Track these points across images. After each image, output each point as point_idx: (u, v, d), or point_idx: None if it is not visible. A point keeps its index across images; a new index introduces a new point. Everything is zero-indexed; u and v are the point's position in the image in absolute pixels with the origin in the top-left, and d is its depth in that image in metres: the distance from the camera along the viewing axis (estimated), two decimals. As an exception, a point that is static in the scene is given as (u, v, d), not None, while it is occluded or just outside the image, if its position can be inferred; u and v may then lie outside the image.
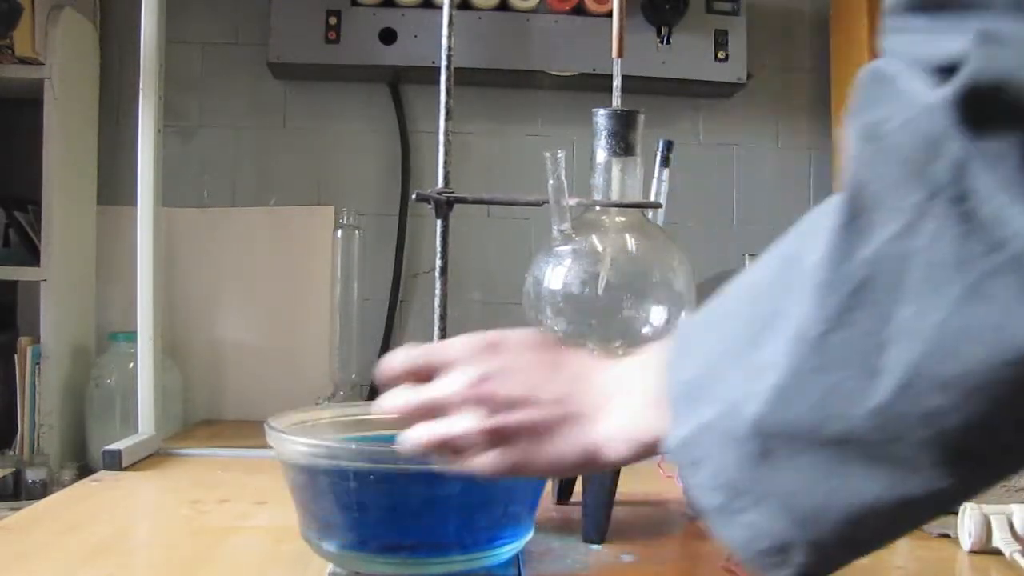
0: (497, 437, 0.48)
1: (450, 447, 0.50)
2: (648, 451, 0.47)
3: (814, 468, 0.36)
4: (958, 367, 0.31)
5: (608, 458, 0.47)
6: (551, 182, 0.78)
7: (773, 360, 0.36)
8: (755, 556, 0.38)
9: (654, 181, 0.84)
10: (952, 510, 0.39)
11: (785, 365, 0.35)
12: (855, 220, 0.34)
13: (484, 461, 0.49)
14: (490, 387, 0.49)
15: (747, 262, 1.42)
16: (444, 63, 0.96)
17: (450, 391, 0.50)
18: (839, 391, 0.34)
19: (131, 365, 1.31)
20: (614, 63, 0.84)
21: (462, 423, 0.49)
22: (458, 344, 0.52)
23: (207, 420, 1.54)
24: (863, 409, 0.33)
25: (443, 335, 0.95)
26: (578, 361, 0.51)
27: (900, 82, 0.34)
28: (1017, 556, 0.69)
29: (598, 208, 0.83)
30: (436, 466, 0.52)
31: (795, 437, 0.36)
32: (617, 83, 0.83)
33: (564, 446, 0.48)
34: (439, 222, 0.94)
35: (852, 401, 0.34)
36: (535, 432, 0.48)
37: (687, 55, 1.54)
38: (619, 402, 0.47)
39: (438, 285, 0.95)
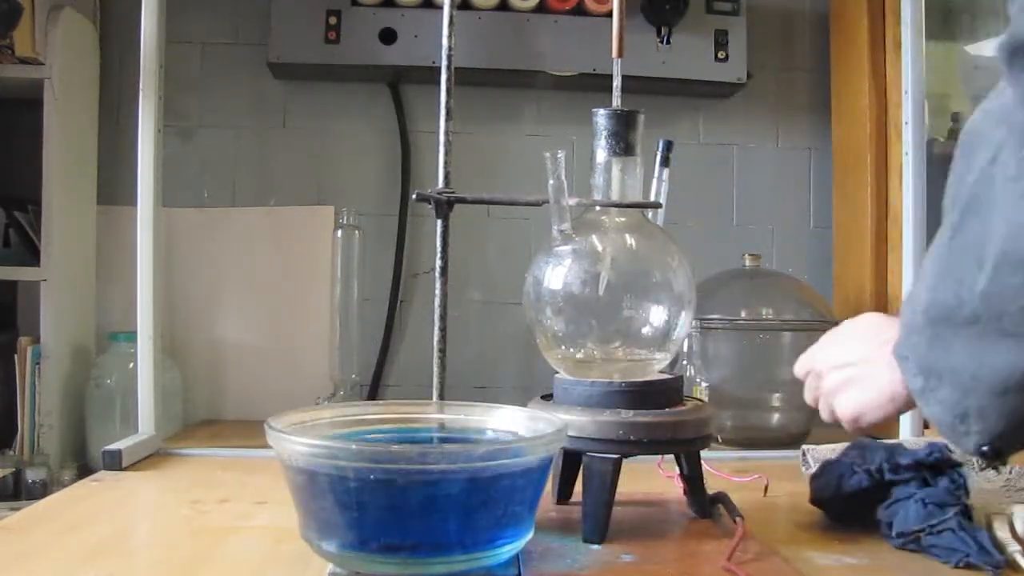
0: (834, 391, 0.69)
1: (814, 400, 0.73)
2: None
3: (965, 345, 0.48)
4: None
5: (905, 394, 0.59)
6: (551, 182, 0.78)
7: (929, 267, 0.50)
8: (947, 430, 0.51)
9: (654, 181, 0.84)
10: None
11: (935, 267, 0.49)
12: (967, 156, 0.49)
13: (836, 413, 0.69)
14: (824, 356, 0.72)
15: (747, 262, 1.42)
16: (444, 63, 0.96)
17: (809, 361, 0.74)
18: (963, 281, 0.46)
19: (131, 365, 1.31)
20: (614, 63, 0.84)
21: (820, 380, 0.71)
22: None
23: (207, 420, 1.54)
24: (976, 292, 0.46)
25: (443, 335, 0.95)
26: (879, 324, 0.69)
27: None
28: (1017, 556, 0.69)
29: (598, 208, 0.83)
30: (435, 467, 0.52)
31: (947, 321, 0.48)
32: (617, 83, 0.83)
33: (876, 392, 0.63)
34: (439, 222, 0.94)
35: (970, 288, 0.46)
36: (856, 386, 0.66)
37: (687, 55, 1.54)
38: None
39: (438, 285, 0.95)
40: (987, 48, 1.54)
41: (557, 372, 0.83)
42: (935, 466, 0.77)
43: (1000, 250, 0.44)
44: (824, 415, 0.72)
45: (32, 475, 1.32)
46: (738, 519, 0.75)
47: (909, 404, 0.61)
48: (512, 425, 0.74)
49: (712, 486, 0.84)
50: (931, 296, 0.49)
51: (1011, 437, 0.49)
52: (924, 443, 0.81)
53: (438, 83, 0.96)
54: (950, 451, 0.80)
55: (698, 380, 1.27)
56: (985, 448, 0.50)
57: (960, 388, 0.49)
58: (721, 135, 1.69)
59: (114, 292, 1.53)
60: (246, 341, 1.57)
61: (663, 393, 0.79)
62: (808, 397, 0.74)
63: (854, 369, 0.66)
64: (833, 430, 1.46)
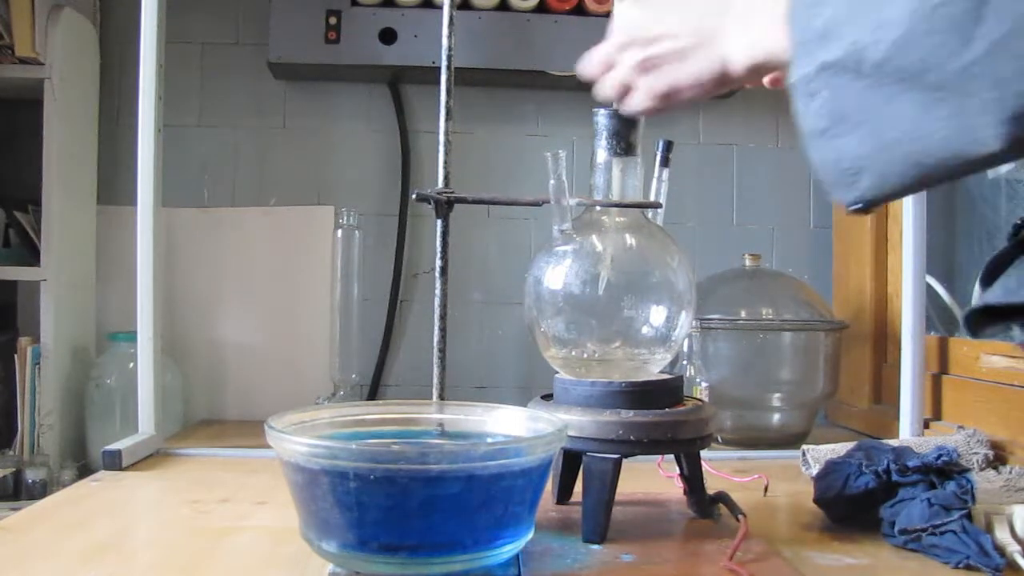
0: (647, 66, 0.63)
1: (618, 88, 0.66)
2: (763, 69, 0.58)
3: (911, 105, 0.46)
4: None
5: (733, 71, 0.59)
6: (551, 182, 0.79)
7: (897, 18, 0.45)
8: (834, 174, 0.50)
9: (654, 181, 0.84)
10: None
11: (906, 24, 0.45)
12: None
13: (640, 92, 0.65)
14: (635, 32, 0.64)
15: (747, 262, 1.42)
16: (444, 63, 0.96)
17: (612, 42, 0.66)
18: (941, 50, 0.44)
19: (131, 365, 1.32)
20: (614, 63, 0.83)
21: (623, 61, 0.65)
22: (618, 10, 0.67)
23: (207, 420, 1.54)
24: (957, 65, 0.43)
25: (443, 335, 0.95)
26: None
27: None
28: (1017, 556, 0.69)
29: (598, 208, 0.83)
30: (435, 467, 0.52)
31: (905, 79, 0.45)
32: (617, 83, 0.83)
33: (699, 65, 0.61)
34: (439, 222, 0.94)
35: (948, 59, 0.44)
36: (675, 58, 0.62)
37: (687, 55, 1.54)
38: (744, 29, 0.58)
39: (438, 285, 0.95)
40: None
41: (557, 372, 0.83)
42: (943, 470, 0.77)
43: (998, 36, 0.42)
44: (617, 94, 0.67)
45: (32, 475, 1.32)
46: (741, 517, 0.75)
47: (730, 85, 0.61)
48: (512, 425, 0.74)
49: (712, 486, 0.84)
50: (895, 51, 0.45)
51: (891, 198, 0.50)
52: (932, 446, 0.81)
53: (438, 83, 0.96)
54: (959, 455, 0.80)
55: (698, 380, 1.27)
56: (861, 203, 0.50)
57: (874, 144, 0.48)
58: (721, 135, 1.69)
59: (114, 292, 1.53)
60: (246, 341, 1.57)
61: (663, 393, 0.79)
62: (589, 71, 0.69)
63: (685, 42, 0.61)
64: (833, 430, 1.46)
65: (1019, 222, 0.56)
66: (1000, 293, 0.51)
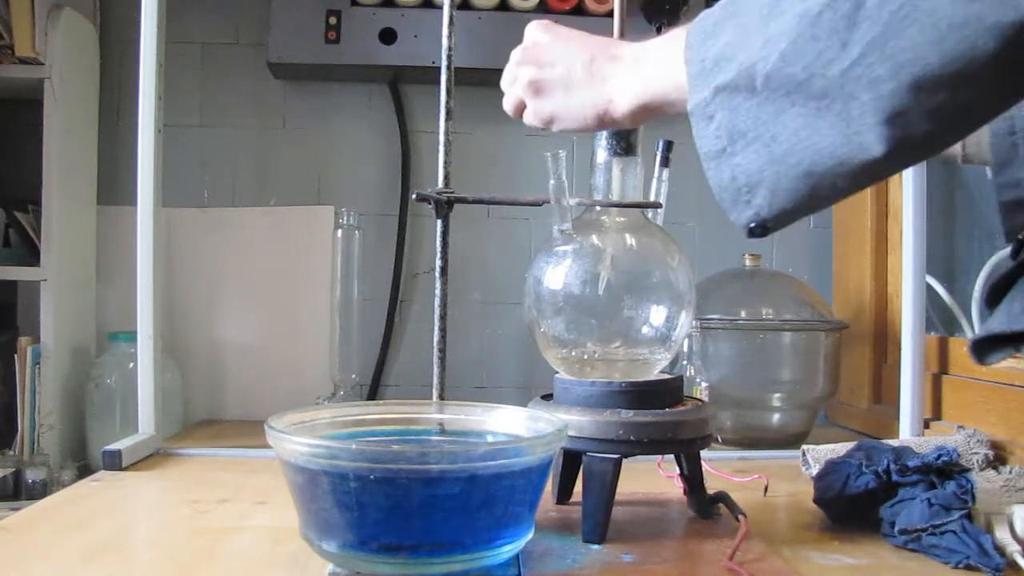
0: (536, 88, 0.66)
1: (514, 102, 0.70)
2: (651, 112, 0.60)
3: (799, 115, 0.47)
4: (900, 43, 0.42)
5: (615, 113, 0.61)
6: (551, 182, 0.79)
7: (783, 32, 0.47)
8: (730, 192, 0.51)
9: (654, 181, 0.84)
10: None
11: (791, 35, 0.46)
12: None
13: (529, 111, 0.68)
14: (535, 53, 0.67)
15: (747, 262, 1.42)
16: (444, 63, 0.96)
17: (514, 56, 0.70)
18: (823, 56, 0.45)
19: (131, 365, 1.32)
20: (614, 63, 0.83)
21: (518, 79, 0.68)
22: (528, 30, 0.71)
23: (207, 420, 1.54)
24: (835, 70, 0.45)
25: (443, 335, 0.95)
26: (612, 41, 0.65)
27: None
28: (1017, 556, 0.69)
29: (598, 208, 0.83)
30: (435, 467, 0.52)
31: (792, 91, 0.46)
32: (617, 83, 0.83)
33: (585, 99, 0.63)
34: (439, 222, 0.94)
35: (830, 64, 0.45)
36: (561, 88, 0.64)
37: (687, 55, 1.54)
38: (636, 69, 0.60)
39: (438, 285, 0.95)
40: None
41: (557, 372, 0.83)
42: (943, 470, 0.77)
43: (870, 39, 0.43)
44: (512, 109, 0.71)
45: (32, 475, 1.32)
46: (741, 517, 0.75)
47: (606, 127, 0.64)
48: (512, 425, 0.74)
49: (712, 486, 0.84)
50: (782, 62, 0.46)
51: (786, 216, 0.50)
52: (932, 446, 0.81)
53: (438, 83, 0.96)
54: (959, 455, 0.80)
55: (698, 380, 1.27)
56: (756, 223, 0.51)
57: (767, 157, 0.49)
58: (721, 135, 1.69)
59: (114, 292, 1.53)
60: (246, 341, 1.57)
61: (663, 393, 0.79)
62: (511, 92, 0.71)
63: (575, 74, 0.64)
64: (833, 430, 1.46)
65: (1020, 240, 0.56)
66: (1005, 320, 0.51)
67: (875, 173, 0.47)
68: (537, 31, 0.70)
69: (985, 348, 0.53)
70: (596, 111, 0.62)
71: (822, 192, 0.49)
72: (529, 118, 0.69)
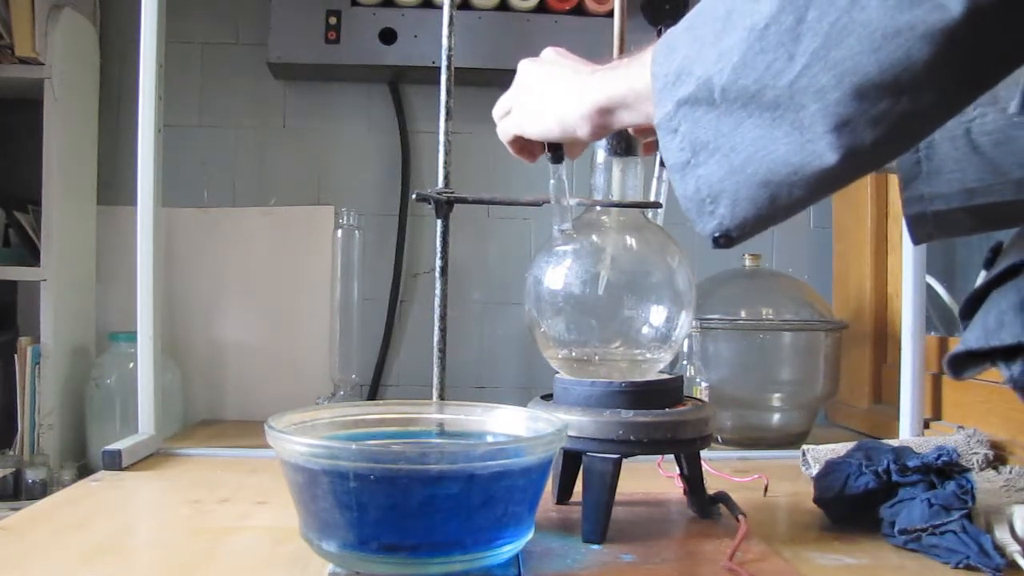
0: (509, 108, 0.73)
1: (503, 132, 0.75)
2: (604, 116, 0.61)
3: (755, 126, 0.48)
4: (840, 53, 0.44)
5: (575, 129, 0.64)
6: (551, 182, 0.78)
7: (735, 45, 0.48)
8: (695, 203, 0.52)
9: (654, 181, 0.84)
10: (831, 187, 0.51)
11: (742, 48, 0.48)
12: None
13: (504, 124, 0.74)
14: (522, 80, 0.72)
15: (747, 262, 1.42)
16: (444, 63, 0.96)
17: (510, 92, 0.75)
18: (772, 68, 0.47)
19: (131, 365, 1.32)
20: (614, 63, 0.84)
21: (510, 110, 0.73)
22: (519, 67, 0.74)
23: (207, 420, 1.54)
24: (784, 81, 0.46)
25: (443, 335, 0.95)
26: (584, 66, 0.67)
27: None
28: (1017, 556, 0.69)
29: (598, 208, 0.83)
30: (435, 467, 0.52)
31: (748, 102, 0.48)
32: (617, 83, 0.83)
33: (550, 115, 0.67)
34: (439, 222, 0.94)
35: (778, 75, 0.46)
36: (535, 104, 0.69)
37: (687, 55, 1.54)
38: (598, 79, 0.62)
39: (438, 285, 0.95)
40: None
41: (557, 372, 0.83)
42: (943, 470, 0.77)
43: (812, 50, 0.45)
44: (503, 133, 0.76)
45: (32, 475, 1.32)
46: (741, 517, 0.75)
47: (581, 146, 0.69)
48: (512, 425, 0.74)
49: (712, 486, 0.84)
50: (736, 75, 0.48)
51: (749, 226, 0.52)
52: (932, 446, 0.81)
53: (438, 83, 0.96)
54: (959, 455, 0.80)
55: (698, 380, 1.28)
56: (720, 232, 0.52)
57: (728, 168, 0.50)
58: (721, 135, 1.69)
59: (114, 292, 1.53)
60: (246, 341, 1.57)
61: (663, 393, 0.79)
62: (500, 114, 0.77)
63: (539, 102, 0.69)
64: (833, 430, 1.46)
65: (990, 253, 0.57)
66: (981, 336, 0.52)
67: (830, 181, 0.48)
68: (524, 64, 0.74)
69: (960, 363, 0.54)
70: (562, 125, 0.66)
71: (781, 201, 0.50)
72: (503, 128, 0.74)
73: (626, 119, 0.60)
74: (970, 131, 0.68)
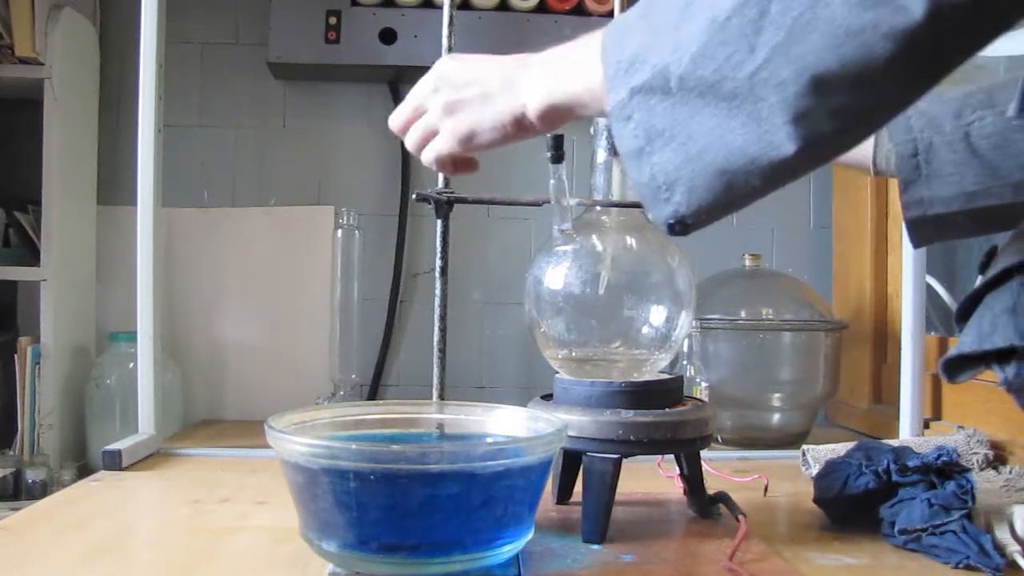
0: (452, 108, 0.65)
1: (424, 132, 0.68)
2: (562, 114, 0.60)
3: (712, 115, 0.48)
4: (802, 47, 0.44)
5: (530, 115, 0.61)
6: (551, 182, 0.79)
7: (694, 35, 0.48)
8: (650, 190, 0.52)
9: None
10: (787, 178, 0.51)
11: (702, 39, 0.48)
12: None
13: (444, 134, 0.66)
14: (448, 79, 0.66)
15: (747, 262, 1.42)
16: (444, 63, 0.96)
17: (424, 86, 0.68)
18: (732, 59, 0.47)
19: (131, 365, 1.32)
20: (614, 63, 0.83)
21: (430, 108, 0.67)
22: (436, 64, 0.68)
23: (207, 420, 1.54)
24: (744, 73, 0.47)
25: (443, 335, 0.95)
26: (525, 55, 0.63)
27: None
28: (1017, 556, 0.69)
29: (598, 208, 0.83)
30: (435, 467, 0.52)
31: (705, 92, 0.48)
32: (617, 83, 0.83)
33: (499, 108, 0.62)
34: (439, 222, 0.94)
35: (738, 67, 0.47)
36: (479, 101, 0.63)
37: (687, 55, 1.54)
38: (547, 72, 0.60)
39: (438, 285, 0.95)
40: (987, 48, 1.54)
41: (557, 372, 0.83)
42: (943, 470, 0.77)
43: (774, 43, 0.45)
44: (418, 149, 0.69)
45: (32, 475, 1.32)
46: (741, 517, 0.75)
47: (527, 131, 0.62)
48: (512, 425, 0.74)
49: (712, 486, 0.84)
50: (694, 65, 0.48)
51: (704, 214, 0.52)
52: (932, 446, 0.81)
53: (438, 83, 0.96)
54: (959, 455, 0.80)
55: (698, 380, 1.27)
56: (675, 220, 0.52)
57: (683, 155, 0.50)
58: (721, 135, 1.69)
59: (114, 292, 1.53)
60: (246, 341, 1.57)
61: (663, 393, 0.79)
62: (398, 120, 0.71)
63: (491, 86, 0.63)
64: (833, 430, 1.46)
65: (985, 257, 0.57)
66: (975, 340, 0.52)
67: (787, 171, 0.49)
68: (445, 61, 0.69)
69: (955, 367, 0.54)
70: (513, 116, 0.62)
71: (737, 190, 0.50)
72: (443, 141, 0.67)
73: (581, 113, 0.59)
74: (969, 135, 0.69)
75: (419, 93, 0.69)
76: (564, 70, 0.59)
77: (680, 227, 0.53)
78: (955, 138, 0.69)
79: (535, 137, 0.65)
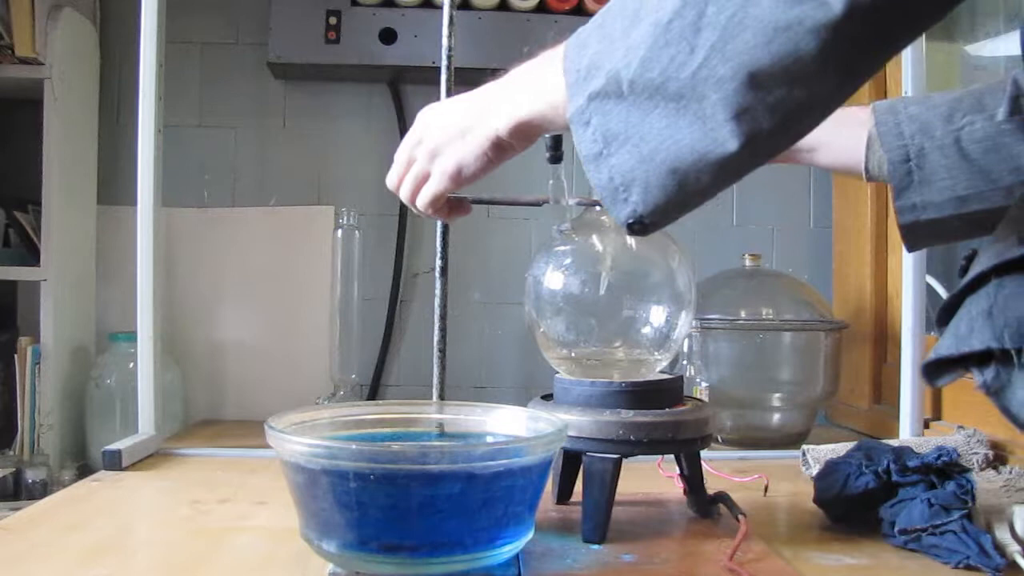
0: (435, 152, 0.68)
1: (416, 180, 0.71)
2: (533, 129, 0.62)
3: (661, 116, 0.50)
4: (736, 45, 0.46)
5: (504, 137, 0.63)
6: (551, 182, 0.78)
7: (641, 40, 0.50)
8: (609, 192, 0.54)
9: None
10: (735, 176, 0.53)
11: (648, 43, 0.50)
12: None
13: (434, 178, 0.69)
14: (426, 131, 0.70)
15: (747, 262, 1.42)
16: (444, 63, 0.96)
17: (408, 141, 0.72)
18: (675, 60, 0.49)
19: (131, 365, 1.32)
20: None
21: (418, 155, 0.70)
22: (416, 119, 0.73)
23: (207, 420, 1.54)
24: (687, 72, 0.48)
25: (443, 335, 0.95)
26: (495, 82, 0.66)
27: None
28: (1017, 556, 0.69)
29: (598, 208, 0.83)
30: (435, 467, 0.52)
31: (654, 94, 0.50)
32: (617, 83, 0.83)
33: (477, 139, 0.65)
34: (439, 222, 0.94)
35: (681, 67, 0.49)
36: (458, 138, 0.66)
37: (687, 55, 1.54)
38: (513, 92, 0.63)
39: (438, 285, 0.95)
40: (987, 48, 1.54)
41: (557, 372, 0.83)
42: (943, 470, 0.77)
43: (711, 43, 0.47)
44: (413, 198, 0.72)
45: (32, 475, 1.32)
46: (741, 517, 0.75)
47: (505, 151, 0.65)
48: (512, 425, 0.74)
49: (712, 486, 0.84)
50: (642, 68, 0.50)
51: (661, 212, 0.54)
52: (932, 446, 0.81)
53: (438, 83, 0.96)
54: (959, 455, 0.80)
55: (698, 380, 1.27)
56: (633, 219, 0.54)
57: (638, 156, 0.52)
58: (721, 135, 1.69)
59: (114, 292, 1.53)
60: (246, 341, 1.57)
61: (663, 393, 0.79)
62: (392, 178, 0.74)
63: (465, 121, 0.66)
64: (833, 430, 1.46)
65: (964, 260, 0.57)
66: (952, 343, 0.53)
67: (734, 166, 0.51)
68: (424, 113, 0.73)
69: (935, 371, 0.55)
70: (490, 141, 0.64)
71: (689, 187, 0.52)
72: (435, 183, 0.69)
73: (550, 128, 0.61)
74: (959, 139, 0.70)
75: (405, 148, 0.72)
76: (529, 87, 0.61)
77: (639, 227, 0.55)
78: (946, 143, 0.71)
79: (520, 154, 0.67)
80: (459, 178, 0.68)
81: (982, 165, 0.69)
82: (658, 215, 0.54)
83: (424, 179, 0.70)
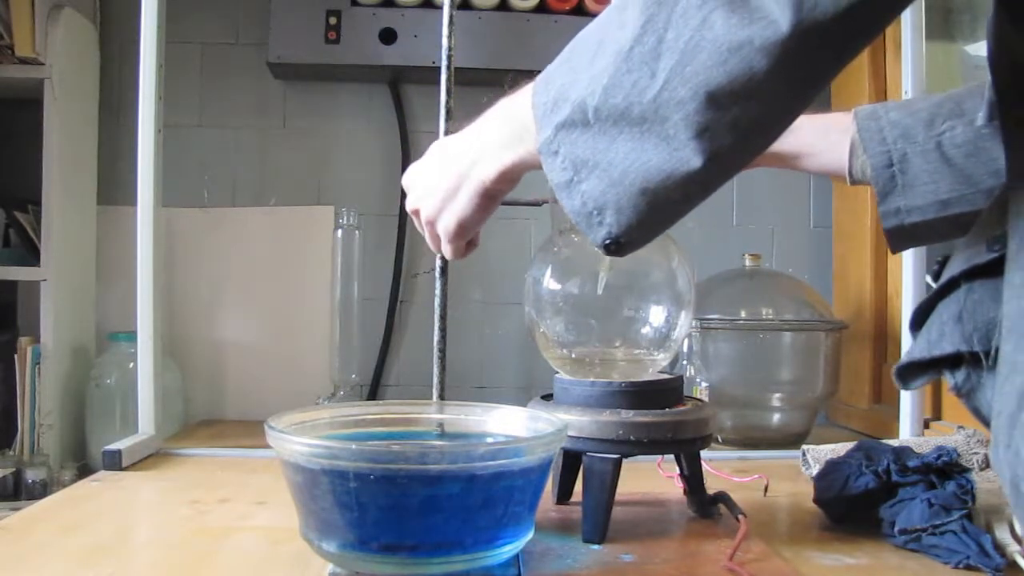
0: (432, 218, 0.71)
1: (432, 243, 0.75)
2: (515, 173, 0.64)
3: (628, 140, 0.52)
4: (694, 67, 0.48)
5: (490, 184, 0.66)
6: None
7: (604, 68, 0.52)
8: (583, 217, 0.55)
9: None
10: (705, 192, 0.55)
11: (611, 70, 0.51)
12: None
13: (445, 243, 0.72)
14: (416, 195, 0.73)
15: (747, 262, 1.42)
16: (444, 63, 0.96)
17: (408, 205, 0.75)
18: (637, 85, 0.50)
19: (131, 365, 1.32)
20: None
21: (423, 224, 0.73)
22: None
23: (207, 420, 1.54)
24: (648, 97, 0.50)
25: (443, 335, 0.95)
26: (466, 130, 0.69)
27: None
28: (1017, 557, 0.69)
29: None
30: (435, 467, 0.52)
31: (619, 120, 0.52)
32: (617, 83, 0.83)
33: (468, 194, 0.67)
34: (439, 222, 0.94)
35: (643, 92, 0.50)
36: (448, 201, 0.69)
37: (687, 55, 1.54)
38: (488, 145, 0.65)
39: (438, 285, 0.95)
40: (987, 48, 1.54)
41: (557, 372, 0.83)
42: (943, 470, 0.77)
43: (670, 66, 0.49)
44: (434, 246, 0.75)
45: (32, 475, 1.32)
46: (741, 517, 0.75)
47: (496, 197, 0.67)
48: (512, 425, 0.74)
49: (712, 486, 0.84)
50: (606, 95, 0.52)
51: (635, 231, 0.55)
52: (932, 446, 0.81)
53: (438, 83, 0.96)
54: (959, 455, 0.80)
55: (698, 380, 1.27)
56: (610, 240, 0.55)
57: (608, 181, 0.53)
58: (721, 135, 1.69)
59: (114, 292, 1.53)
60: (246, 341, 1.57)
61: (663, 393, 0.79)
62: (428, 238, 0.77)
63: (445, 187, 0.69)
64: (833, 430, 1.46)
65: (937, 265, 0.58)
66: (924, 347, 0.54)
67: (700, 184, 0.52)
68: (406, 180, 0.76)
69: (908, 374, 0.56)
70: (479, 195, 0.67)
71: (660, 206, 0.53)
72: (449, 249, 0.73)
73: (532, 169, 0.62)
74: (941, 144, 0.71)
75: (410, 207, 0.75)
76: (504, 134, 0.64)
77: (616, 247, 0.56)
78: (928, 148, 0.72)
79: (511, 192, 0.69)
80: (465, 233, 0.71)
81: (963, 169, 0.70)
82: (633, 234, 0.55)
83: (439, 241, 0.73)
